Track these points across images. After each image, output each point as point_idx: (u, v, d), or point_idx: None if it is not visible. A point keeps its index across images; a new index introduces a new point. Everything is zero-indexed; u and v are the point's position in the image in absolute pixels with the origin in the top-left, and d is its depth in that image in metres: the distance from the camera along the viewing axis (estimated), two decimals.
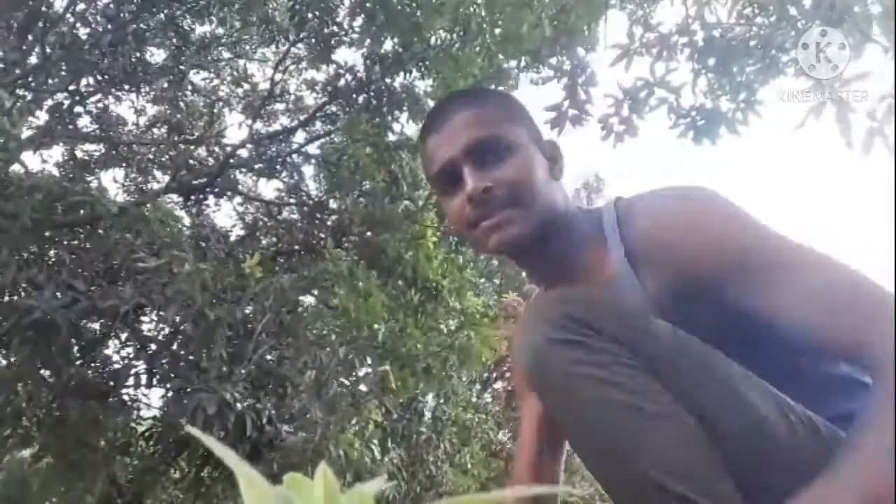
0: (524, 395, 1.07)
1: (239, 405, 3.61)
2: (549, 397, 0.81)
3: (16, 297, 3.59)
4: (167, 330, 4.24)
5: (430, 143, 0.97)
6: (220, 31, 7.02)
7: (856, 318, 0.73)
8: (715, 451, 0.72)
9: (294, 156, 7.32)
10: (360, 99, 5.83)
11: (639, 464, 0.71)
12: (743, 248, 0.81)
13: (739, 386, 0.76)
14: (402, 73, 5.58)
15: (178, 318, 3.73)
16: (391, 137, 5.68)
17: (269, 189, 8.00)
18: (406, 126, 5.97)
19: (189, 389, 3.68)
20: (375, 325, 4.05)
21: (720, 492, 0.70)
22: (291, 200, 7.37)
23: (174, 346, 4.31)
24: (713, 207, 0.86)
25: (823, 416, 0.79)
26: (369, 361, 4.13)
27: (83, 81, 5.90)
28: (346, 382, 4.20)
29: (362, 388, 4.48)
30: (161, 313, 3.57)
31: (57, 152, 6.50)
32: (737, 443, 0.73)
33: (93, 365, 4.45)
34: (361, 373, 4.28)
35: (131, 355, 4.51)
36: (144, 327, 4.43)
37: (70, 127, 6.13)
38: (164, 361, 4.37)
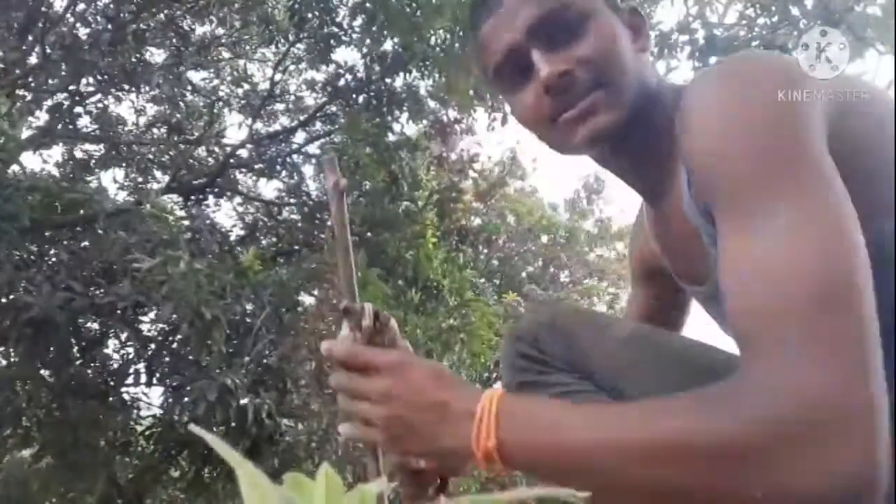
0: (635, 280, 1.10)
1: (240, 393, 3.61)
2: None
3: (13, 296, 3.59)
4: (165, 328, 4.24)
5: (485, 29, 0.79)
6: (220, 31, 7.03)
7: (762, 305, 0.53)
8: None
9: (294, 156, 7.33)
10: (360, 99, 5.83)
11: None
12: (743, 172, 0.59)
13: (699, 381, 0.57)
14: (402, 73, 5.59)
15: (175, 317, 3.73)
16: (391, 137, 5.69)
17: (269, 189, 8.00)
18: (406, 126, 5.98)
19: (189, 388, 3.68)
20: None
21: None
22: (291, 200, 7.38)
23: (174, 345, 4.31)
24: (746, 100, 0.62)
25: None
26: None
27: (83, 81, 5.91)
28: None
29: None
30: (159, 311, 3.58)
31: (57, 152, 6.52)
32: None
33: (92, 364, 4.46)
34: None
35: (131, 354, 4.52)
36: (144, 326, 4.44)
37: (70, 127, 6.13)
38: (164, 360, 4.37)
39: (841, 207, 0.55)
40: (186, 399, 3.63)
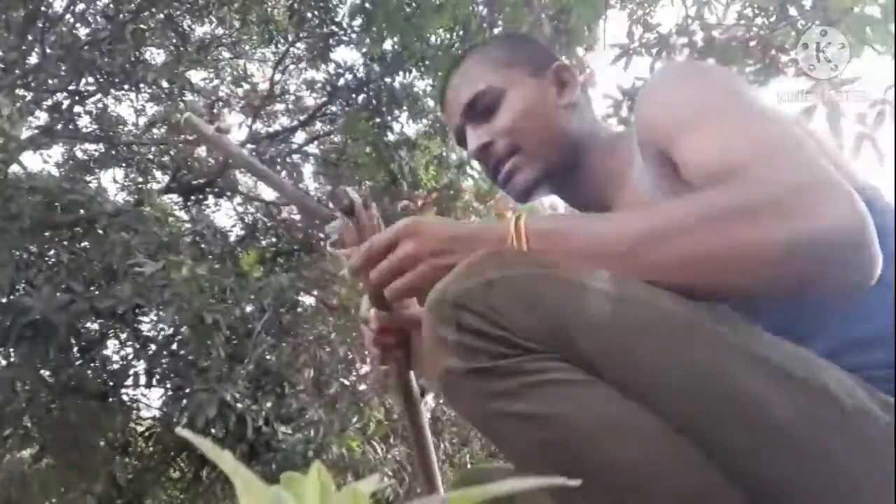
0: None
1: (239, 405, 3.61)
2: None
3: (13, 297, 3.59)
4: (166, 331, 4.24)
5: (446, 117, 1.01)
6: (220, 31, 7.03)
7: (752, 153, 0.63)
8: (700, 460, 0.55)
9: (294, 156, 7.33)
10: (360, 98, 5.83)
11: None
12: (694, 107, 0.71)
13: (716, 355, 0.57)
14: (401, 73, 5.58)
15: (176, 319, 3.73)
16: (390, 137, 5.68)
17: (269, 189, 7.99)
18: (406, 126, 5.98)
19: (188, 390, 3.68)
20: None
21: None
22: None
23: (174, 347, 4.31)
24: (687, 72, 0.79)
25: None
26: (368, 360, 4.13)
27: (83, 81, 5.90)
28: (346, 383, 4.20)
29: (362, 387, 4.48)
30: (160, 313, 3.58)
31: (57, 152, 6.51)
32: (718, 438, 0.55)
33: (92, 365, 4.46)
34: (362, 371, 4.27)
35: (130, 356, 4.52)
36: (143, 328, 4.44)
37: (70, 127, 6.13)
38: (163, 362, 4.37)
39: (769, 107, 0.69)
40: (185, 404, 3.62)
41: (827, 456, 0.55)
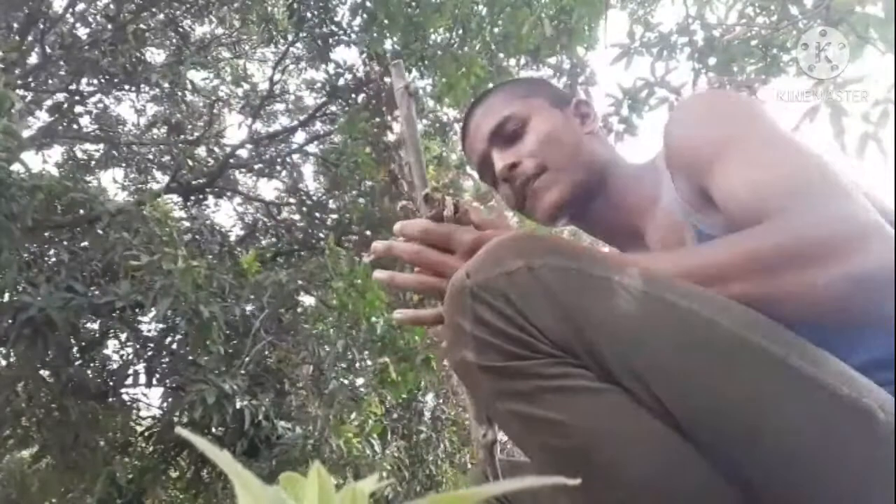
0: None
1: (238, 398, 3.61)
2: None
3: (14, 297, 3.59)
4: (163, 327, 4.24)
5: (467, 150, 1.02)
6: (220, 30, 7.03)
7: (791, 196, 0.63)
8: (710, 475, 0.54)
9: (294, 156, 7.33)
10: (360, 98, 5.83)
11: None
12: (725, 137, 0.72)
13: (738, 369, 0.55)
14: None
15: (171, 313, 3.73)
16: (390, 137, 5.68)
17: (269, 189, 8.01)
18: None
19: (188, 387, 3.68)
20: (374, 319, 4.06)
21: None
22: (291, 200, 7.37)
23: (173, 346, 4.31)
24: (715, 102, 0.80)
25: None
26: (367, 354, 4.14)
27: (83, 81, 5.90)
28: (346, 380, 4.20)
29: (360, 381, 4.49)
30: (156, 307, 3.58)
31: (57, 152, 6.52)
32: (731, 454, 0.54)
33: (92, 365, 4.46)
34: (360, 366, 4.28)
35: (130, 355, 4.52)
36: (143, 327, 4.44)
37: (70, 127, 6.13)
38: (163, 362, 4.37)
39: (801, 142, 0.70)
40: (185, 399, 3.63)
41: (852, 470, 0.54)
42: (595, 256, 0.61)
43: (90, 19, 5.93)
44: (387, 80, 5.53)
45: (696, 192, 0.77)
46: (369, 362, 4.24)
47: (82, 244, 4.47)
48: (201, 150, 7.21)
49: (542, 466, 0.60)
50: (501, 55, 4.95)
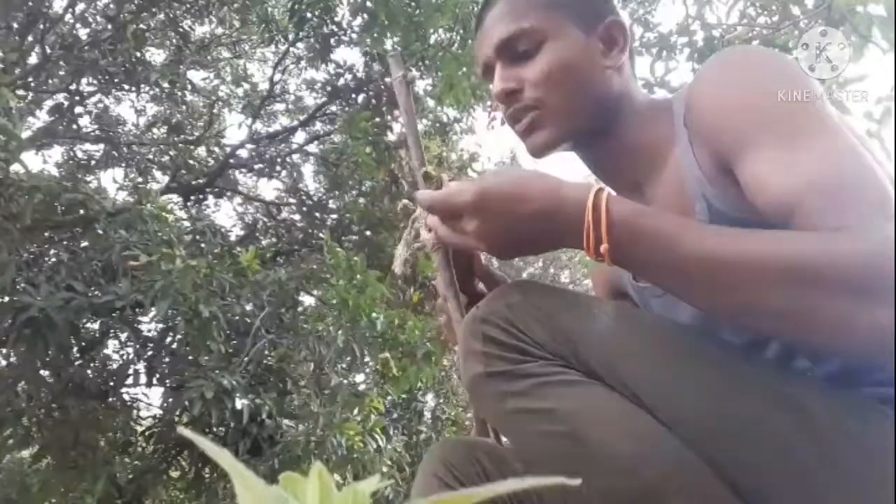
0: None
1: (238, 395, 3.61)
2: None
3: (14, 297, 3.59)
4: (163, 327, 4.24)
5: (476, 43, 0.92)
6: (220, 31, 7.03)
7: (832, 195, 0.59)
8: (694, 462, 0.61)
9: (294, 156, 7.33)
10: (360, 98, 5.83)
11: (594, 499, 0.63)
12: (761, 114, 0.67)
13: (705, 375, 0.64)
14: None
15: (171, 313, 3.73)
16: (390, 137, 5.68)
17: (269, 189, 8.01)
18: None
19: (188, 385, 3.68)
20: (374, 314, 4.06)
21: None
22: (291, 200, 7.37)
23: (173, 345, 4.31)
24: (755, 65, 0.72)
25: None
26: (368, 350, 4.13)
27: (83, 81, 5.90)
28: (346, 380, 4.20)
29: (361, 377, 4.49)
30: (156, 307, 3.57)
31: (57, 152, 6.52)
32: (709, 446, 0.61)
33: (92, 364, 4.46)
34: (361, 362, 4.28)
35: (130, 354, 4.52)
36: (143, 327, 4.44)
37: (70, 127, 6.13)
38: (163, 361, 4.37)
39: (847, 133, 0.65)
40: (184, 396, 3.63)
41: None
42: (579, 296, 0.73)
43: (90, 19, 5.93)
44: (387, 80, 5.53)
45: (716, 165, 0.71)
46: (368, 359, 4.24)
47: (82, 244, 4.47)
48: (201, 150, 7.21)
49: (542, 457, 0.67)
50: None
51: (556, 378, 0.65)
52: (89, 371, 4.38)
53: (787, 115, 0.66)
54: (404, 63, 0.94)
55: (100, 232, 4.12)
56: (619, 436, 0.62)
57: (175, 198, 6.44)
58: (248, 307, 4.33)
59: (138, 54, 5.67)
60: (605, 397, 0.65)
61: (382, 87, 5.60)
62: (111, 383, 4.46)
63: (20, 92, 5.05)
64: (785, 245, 0.58)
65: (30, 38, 5.45)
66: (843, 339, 0.56)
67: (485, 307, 0.71)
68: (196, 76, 7.13)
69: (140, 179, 6.83)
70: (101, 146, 6.70)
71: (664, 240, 0.61)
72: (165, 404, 4.37)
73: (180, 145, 6.77)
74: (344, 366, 4.24)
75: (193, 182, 6.67)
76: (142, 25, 5.84)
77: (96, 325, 4.32)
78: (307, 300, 5.09)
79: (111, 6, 5.78)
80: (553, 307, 0.70)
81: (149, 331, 4.45)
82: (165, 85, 5.90)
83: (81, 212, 4.26)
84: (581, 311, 0.70)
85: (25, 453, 4.80)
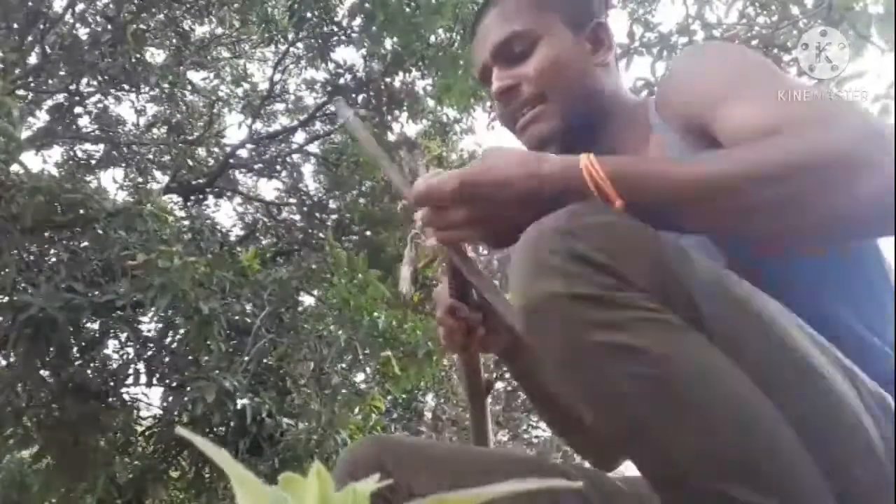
0: None
1: (239, 395, 3.61)
2: (556, 367, 0.62)
3: (14, 297, 3.59)
4: (163, 325, 4.24)
5: (472, 50, 0.99)
6: (220, 31, 7.03)
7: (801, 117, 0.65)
8: (793, 438, 0.55)
9: (294, 156, 7.33)
10: (360, 98, 5.83)
11: (677, 458, 0.55)
12: (728, 79, 0.74)
13: (799, 343, 0.59)
14: (401, 73, 5.58)
15: (171, 312, 3.73)
16: (391, 137, 5.69)
17: (269, 189, 8.01)
18: (406, 125, 5.98)
19: (188, 386, 3.68)
20: (375, 314, 4.06)
21: (798, 490, 0.54)
22: (291, 200, 7.38)
23: (173, 345, 4.31)
24: (715, 47, 0.83)
25: None
26: (369, 350, 4.14)
27: (83, 81, 5.91)
28: (347, 379, 4.20)
29: (361, 376, 4.49)
30: (155, 305, 3.57)
31: (57, 152, 6.52)
32: (804, 422, 0.56)
33: (92, 364, 4.46)
34: (362, 361, 4.29)
35: (130, 354, 4.52)
36: (143, 327, 4.44)
37: (70, 127, 6.13)
38: (163, 360, 4.37)
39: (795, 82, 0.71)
40: (186, 399, 3.63)
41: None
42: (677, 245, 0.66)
43: (90, 20, 5.93)
44: (387, 79, 5.54)
45: (696, 134, 0.76)
46: (366, 357, 4.25)
47: (82, 244, 4.47)
48: (201, 150, 7.21)
49: (622, 404, 0.58)
50: None
51: (658, 316, 0.56)
52: (89, 371, 4.37)
53: (751, 70, 0.74)
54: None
55: (99, 232, 4.12)
56: (714, 392, 0.56)
57: (175, 198, 6.44)
58: (249, 307, 4.33)
59: (138, 55, 5.67)
60: (711, 353, 0.57)
61: (382, 86, 5.60)
62: (111, 383, 4.46)
63: (20, 92, 5.05)
64: (769, 146, 0.63)
65: (30, 39, 5.45)
66: (843, 217, 0.60)
67: (569, 220, 0.59)
68: (196, 76, 7.13)
69: (140, 179, 6.83)
70: (101, 146, 6.70)
71: (654, 180, 0.64)
72: (165, 404, 4.37)
73: (180, 145, 6.78)
74: (344, 365, 4.24)
75: (193, 182, 6.67)
76: (141, 26, 5.84)
77: (96, 325, 4.32)
78: (307, 300, 5.10)
79: (111, 6, 5.78)
80: (656, 238, 0.60)
81: (149, 330, 4.45)
82: (165, 85, 5.91)
83: (81, 212, 4.26)
84: (686, 258, 0.60)
85: (25, 453, 4.80)
